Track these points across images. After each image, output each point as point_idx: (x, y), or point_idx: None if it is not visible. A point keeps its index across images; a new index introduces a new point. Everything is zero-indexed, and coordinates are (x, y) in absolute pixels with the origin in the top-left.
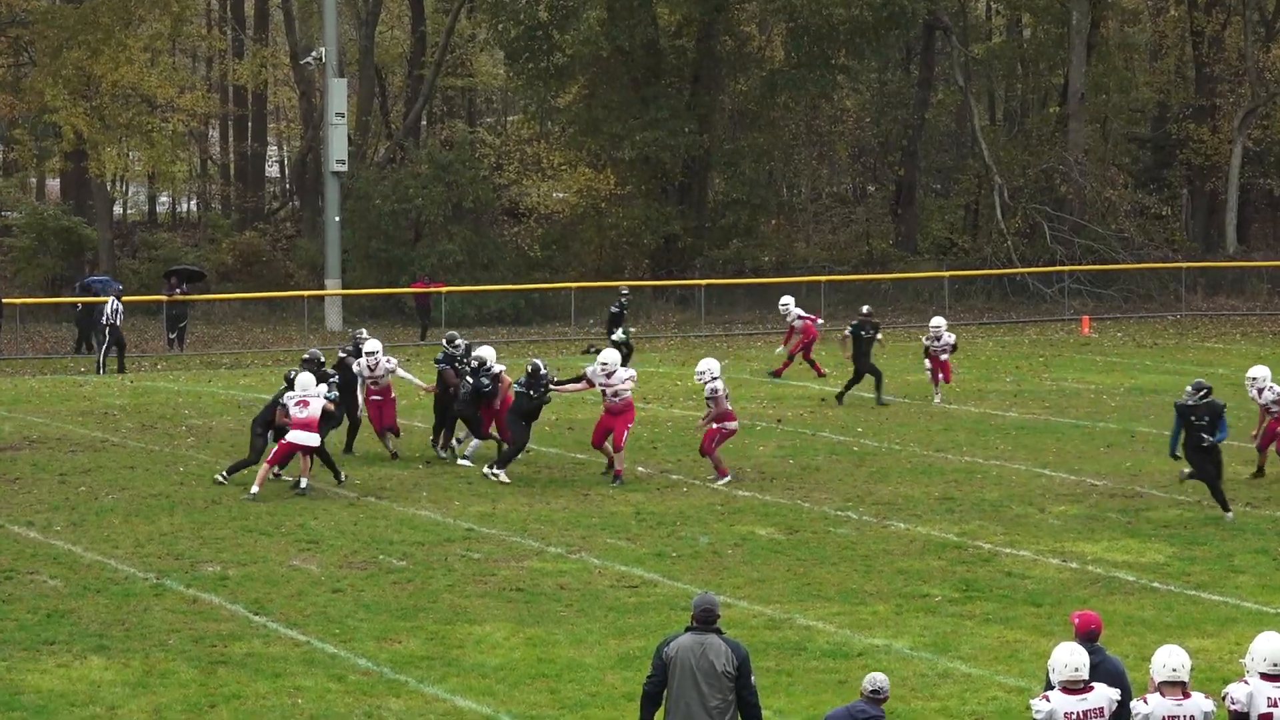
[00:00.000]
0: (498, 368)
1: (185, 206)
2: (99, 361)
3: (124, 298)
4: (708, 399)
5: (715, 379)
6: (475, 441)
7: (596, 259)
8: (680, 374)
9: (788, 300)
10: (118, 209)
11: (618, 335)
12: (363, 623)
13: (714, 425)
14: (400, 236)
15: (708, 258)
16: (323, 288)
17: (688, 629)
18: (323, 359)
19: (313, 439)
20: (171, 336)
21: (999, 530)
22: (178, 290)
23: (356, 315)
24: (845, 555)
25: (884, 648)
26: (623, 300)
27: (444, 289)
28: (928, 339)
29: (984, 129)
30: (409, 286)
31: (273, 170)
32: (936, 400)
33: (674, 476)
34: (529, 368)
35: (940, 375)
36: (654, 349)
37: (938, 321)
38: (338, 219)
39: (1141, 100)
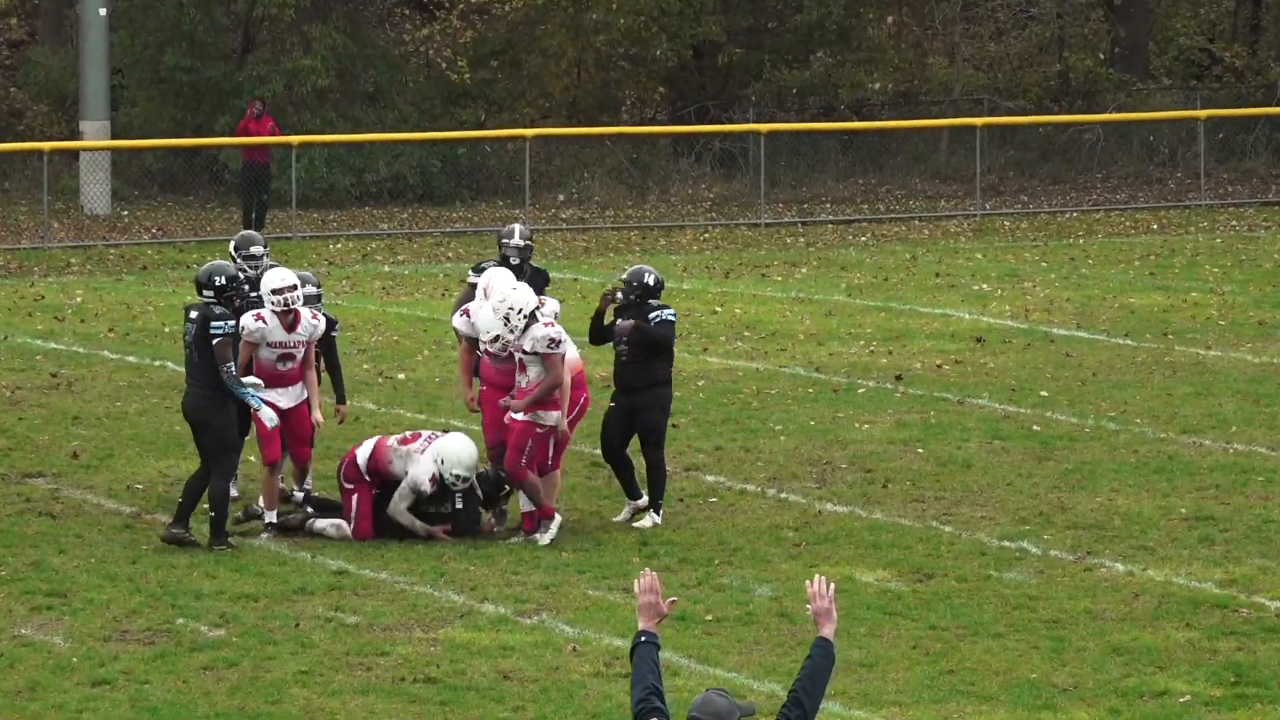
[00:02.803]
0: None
1: None
2: None
3: None
4: (518, 352)
5: (527, 312)
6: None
7: (569, 87)
8: (719, 294)
9: None
10: None
11: None
12: None
13: (522, 416)
14: (216, 45)
15: (770, 85)
16: (77, 136)
17: None
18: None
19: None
20: None
21: None
22: None
23: (137, 186)
24: (1018, 621)
25: None
26: None
27: (295, 139)
28: None
29: None
30: (236, 132)
31: None
32: None
33: (708, 477)
34: (630, 279)
35: None
36: (674, 249)
37: None
38: (104, 12)
39: None
